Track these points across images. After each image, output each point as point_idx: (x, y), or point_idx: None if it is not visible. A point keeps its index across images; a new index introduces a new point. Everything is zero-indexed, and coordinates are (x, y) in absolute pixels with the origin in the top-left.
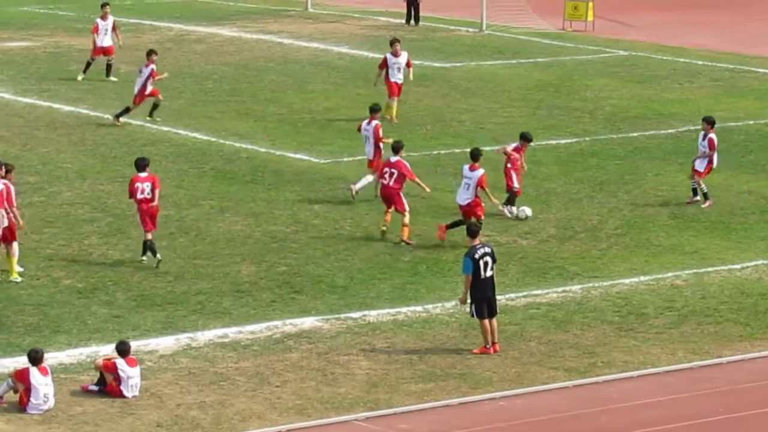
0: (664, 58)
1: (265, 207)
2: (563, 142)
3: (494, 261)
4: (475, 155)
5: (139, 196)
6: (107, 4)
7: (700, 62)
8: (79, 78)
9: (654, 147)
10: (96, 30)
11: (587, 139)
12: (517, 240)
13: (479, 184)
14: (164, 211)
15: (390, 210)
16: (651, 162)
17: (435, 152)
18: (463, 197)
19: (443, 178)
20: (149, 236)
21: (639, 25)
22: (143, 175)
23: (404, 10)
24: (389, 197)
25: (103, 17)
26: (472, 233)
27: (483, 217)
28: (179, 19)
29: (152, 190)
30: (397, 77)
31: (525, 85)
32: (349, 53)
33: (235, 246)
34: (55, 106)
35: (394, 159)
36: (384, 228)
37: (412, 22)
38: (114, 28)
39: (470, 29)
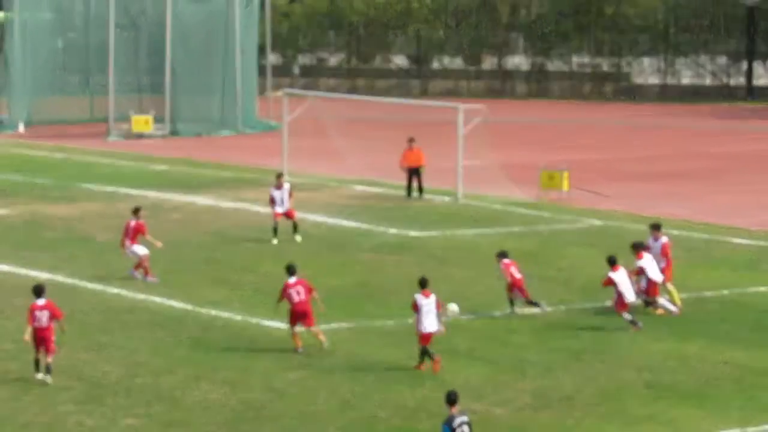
0: (639, 228)
1: (241, 375)
2: (538, 310)
3: (471, 430)
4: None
5: (35, 324)
6: (282, 174)
7: (675, 231)
8: (275, 242)
9: None
10: (273, 202)
11: (562, 308)
12: (491, 409)
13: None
14: (140, 379)
15: (298, 331)
16: (626, 331)
17: (410, 320)
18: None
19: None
20: (49, 359)
21: (614, 195)
22: (41, 302)
23: (382, 180)
24: (307, 312)
25: (278, 187)
26: (451, 401)
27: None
28: (155, 188)
29: (49, 318)
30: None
31: None
32: (325, 222)
33: (211, 414)
34: (33, 273)
35: (293, 280)
36: (301, 350)
37: (415, 194)
38: (290, 194)
39: (446, 198)
